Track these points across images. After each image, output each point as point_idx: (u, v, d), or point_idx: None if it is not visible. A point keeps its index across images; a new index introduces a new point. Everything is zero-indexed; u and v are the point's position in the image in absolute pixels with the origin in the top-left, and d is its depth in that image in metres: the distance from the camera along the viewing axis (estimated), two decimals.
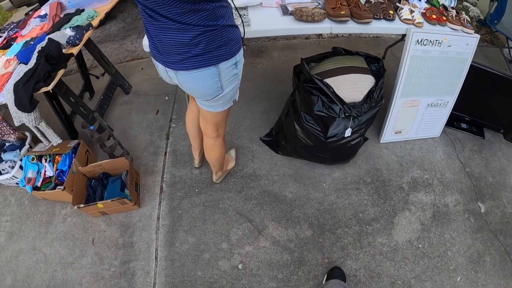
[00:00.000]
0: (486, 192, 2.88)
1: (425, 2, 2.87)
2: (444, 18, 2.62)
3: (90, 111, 2.71)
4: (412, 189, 2.82)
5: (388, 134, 3.00)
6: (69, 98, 2.59)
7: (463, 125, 3.24)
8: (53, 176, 2.69)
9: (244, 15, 2.42)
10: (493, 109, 3.09)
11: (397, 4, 2.63)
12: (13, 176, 2.76)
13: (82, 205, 2.43)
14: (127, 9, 5.54)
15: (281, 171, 2.88)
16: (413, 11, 2.60)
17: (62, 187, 2.52)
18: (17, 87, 2.15)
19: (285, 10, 2.47)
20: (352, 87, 2.49)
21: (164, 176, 2.86)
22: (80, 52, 3.21)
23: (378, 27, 2.46)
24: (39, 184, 2.64)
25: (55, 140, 2.47)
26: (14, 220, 2.77)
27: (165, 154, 3.05)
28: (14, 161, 2.78)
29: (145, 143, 3.14)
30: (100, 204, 2.47)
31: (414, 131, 3.03)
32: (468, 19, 2.71)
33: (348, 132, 2.57)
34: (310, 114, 2.47)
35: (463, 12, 2.72)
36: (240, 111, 3.39)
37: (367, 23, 2.40)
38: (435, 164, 2.98)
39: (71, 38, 2.44)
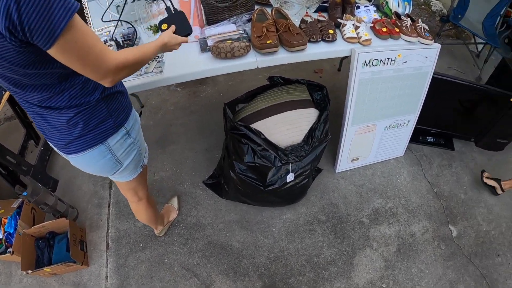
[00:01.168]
0: (457, 212, 2.30)
1: (375, 12, 2.36)
2: (397, 30, 1.97)
3: (25, 172, 2.37)
4: (373, 222, 2.26)
5: (344, 163, 2.38)
6: (5, 158, 2.26)
7: (430, 139, 2.62)
8: (2, 238, 2.34)
9: (159, 56, 1.85)
10: (462, 119, 2.47)
11: (339, 20, 1.97)
12: None
13: (30, 271, 2.12)
14: None
15: (226, 217, 2.33)
16: (358, 27, 1.93)
17: (11, 251, 2.21)
18: None
19: (203, 46, 1.85)
20: (288, 127, 1.86)
21: (109, 230, 2.41)
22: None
23: (314, 52, 1.85)
24: None
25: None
26: None
27: (109, 206, 2.58)
28: None
29: (89, 194, 2.67)
30: (47, 269, 2.17)
31: (373, 155, 2.40)
32: (426, 27, 2.14)
33: (290, 177, 1.98)
34: (242, 163, 1.90)
35: (420, 19, 2.18)
36: (183, 150, 2.78)
37: (301, 50, 1.83)
38: (399, 188, 2.38)
39: None
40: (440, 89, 2.22)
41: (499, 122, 2.43)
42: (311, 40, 1.89)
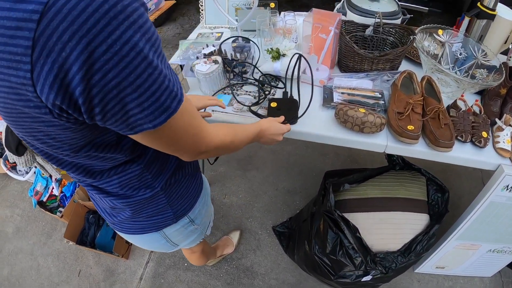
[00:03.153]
0: None
1: None
2: None
3: None
4: None
5: (428, 267, 1.87)
6: None
7: None
8: (58, 196, 2.21)
9: (267, 91, 1.40)
10: None
11: (496, 120, 1.43)
12: (27, 180, 2.34)
13: (71, 243, 1.92)
14: (189, 13, 4.22)
15: (282, 275, 1.89)
16: None
17: (61, 214, 2.05)
18: (7, 129, 1.62)
19: (328, 99, 1.35)
20: (391, 231, 1.39)
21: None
22: None
23: (456, 156, 1.31)
24: (44, 199, 2.20)
25: (54, 174, 1.99)
26: (24, 216, 2.37)
27: None
28: (30, 167, 2.32)
29: None
30: (88, 249, 1.99)
31: (461, 269, 1.87)
32: None
33: (367, 278, 1.66)
34: (324, 247, 1.45)
35: None
36: (263, 181, 2.29)
37: (445, 151, 1.29)
38: None
39: None
40: None
41: None
42: (459, 138, 1.35)
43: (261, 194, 2.22)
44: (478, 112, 1.49)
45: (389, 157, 1.59)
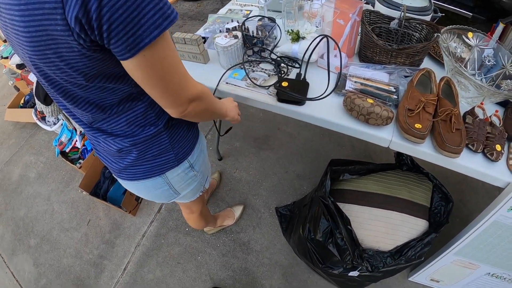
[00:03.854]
0: None
1: None
2: None
3: None
4: None
5: (422, 277, 1.76)
6: None
7: None
8: (80, 149, 2.31)
9: (285, 68, 1.38)
10: None
11: None
12: (54, 130, 2.46)
13: (85, 192, 2.00)
14: None
15: (275, 256, 1.88)
16: None
17: (80, 165, 2.15)
18: (37, 81, 1.71)
19: (340, 85, 1.29)
20: (384, 230, 1.33)
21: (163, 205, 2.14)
22: None
23: (463, 165, 1.22)
24: (67, 150, 2.29)
25: (78, 127, 2.12)
26: (46, 164, 2.48)
27: None
28: (59, 118, 2.46)
29: None
30: (99, 201, 2.07)
31: (456, 287, 1.76)
32: None
33: (353, 273, 1.59)
34: (315, 233, 1.41)
35: None
36: (276, 163, 2.27)
37: (451, 157, 1.20)
38: None
39: None
40: None
41: None
42: (469, 146, 1.26)
43: (270, 174, 2.21)
44: (496, 124, 1.39)
45: (398, 156, 1.52)
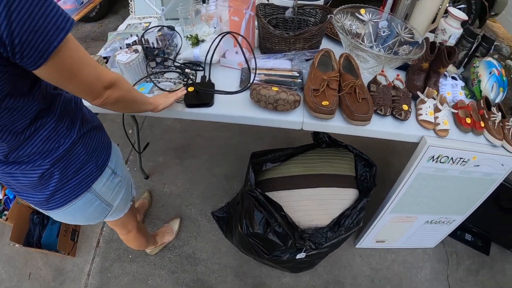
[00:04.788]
0: None
1: (462, 88, 1.68)
2: (482, 125, 1.35)
3: None
4: None
5: (368, 241, 1.82)
6: None
7: (468, 236, 1.99)
8: (2, 199, 2.06)
9: (188, 77, 1.32)
10: (510, 228, 1.85)
11: (418, 93, 1.37)
12: None
13: (18, 245, 1.81)
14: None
15: (223, 259, 1.82)
16: (440, 109, 1.34)
17: (5, 217, 1.92)
18: None
19: (245, 80, 1.29)
20: (317, 207, 1.33)
21: (104, 229, 2.00)
22: None
23: (376, 130, 1.26)
24: None
25: None
26: None
27: None
28: None
29: None
30: (34, 250, 1.87)
31: (401, 242, 1.83)
32: None
33: (301, 255, 1.57)
34: (252, 228, 1.38)
35: (511, 119, 1.48)
36: (201, 168, 2.20)
37: (361, 125, 1.24)
38: (415, 285, 1.79)
39: None
40: (498, 193, 1.60)
41: None
42: (378, 112, 1.28)
43: (199, 181, 2.15)
44: (400, 87, 1.43)
45: (315, 135, 1.52)
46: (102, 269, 1.85)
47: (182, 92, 1.18)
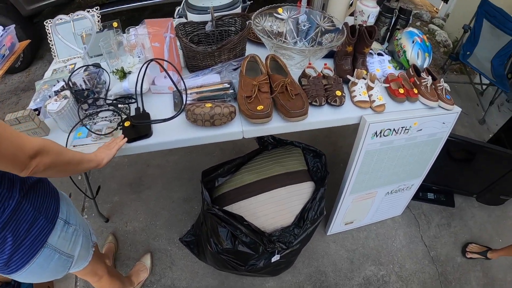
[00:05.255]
0: (452, 278, 1.83)
1: (389, 62, 1.76)
2: (416, 91, 1.42)
3: None
4: None
5: (337, 226, 1.86)
6: None
7: (430, 195, 2.10)
8: None
9: (125, 109, 1.30)
10: (466, 176, 1.97)
11: (348, 76, 1.42)
12: None
13: None
14: None
15: (203, 282, 1.77)
16: (372, 87, 1.39)
17: None
18: None
19: (178, 102, 1.28)
20: (277, 209, 1.35)
21: (78, 283, 1.87)
22: None
23: (316, 121, 1.29)
24: None
25: None
26: None
27: None
28: None
29: None
30: None
31: (369, 218, 1.89)
32: (448, 87, 1.61)
33: (275, 258, 1.59)
34: (221, 244, 1.36)
35: (442, 79, 1.60)
36: (158, 198, 2.15)
37: (300, 120, 1.26)
38: (393, 254, 1.88)
39: None
40: (448, 148, 1.69)
41: (504, 180, 1.93)
42: (313, 103, 1.32)
43: (159, 211, 2.09)
44: (330, 74, 1.47)
45: (259, 139, 1.54)
46: None
47: (123, 141, 1.15)
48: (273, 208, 1.36)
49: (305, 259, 1.81)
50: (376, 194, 1.70)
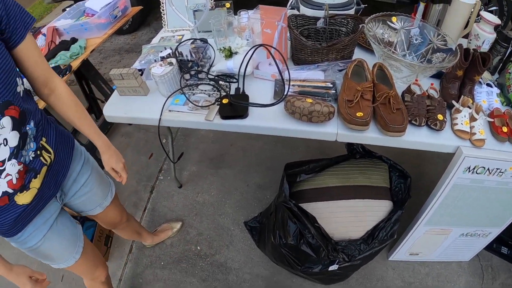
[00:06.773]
0: None
1: (497, 96, 1.65)
2: None
3: None
4: None
5: (401, 254, 1.78)
6: None
7: (504, 250, 1.90)
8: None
9: (222, 88, 1.37)
10: None
11: (453, 102, 1.36)
12: None
13: None
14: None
15: (255, 269, 1.81)
16: (475, 119, 1.32)
17: None
18: None
19: (279, 91, 1.31)
20: (351, 219, 1.34)
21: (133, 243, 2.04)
22: (83, 75, 2.36)
23: (411, 141, 1.25)
24: None
25: None
26: None
27: (144, 210, 2.15)
28: None
29: (130, 191, 2.24)
30: None
31: (436, 255, 1.79)
32: None
33: (333, 267, 1.59)
34: (285, 238, 1.39)
35: None
36: (235, 178, 2.23)
37: (396, 136, 1.23)
38: None
39: None
40: None
41: None
42: (413, 122, 1.28)
43: (232, 191, 2.17)
44: (435, 96, 1.42)
45: (349, 146, 1.53)
46: (134, 275, 1.90)
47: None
48: (347, 218, 1.34)
49: (360, 277, 1.77)
50: (451, 232, 1.61)
